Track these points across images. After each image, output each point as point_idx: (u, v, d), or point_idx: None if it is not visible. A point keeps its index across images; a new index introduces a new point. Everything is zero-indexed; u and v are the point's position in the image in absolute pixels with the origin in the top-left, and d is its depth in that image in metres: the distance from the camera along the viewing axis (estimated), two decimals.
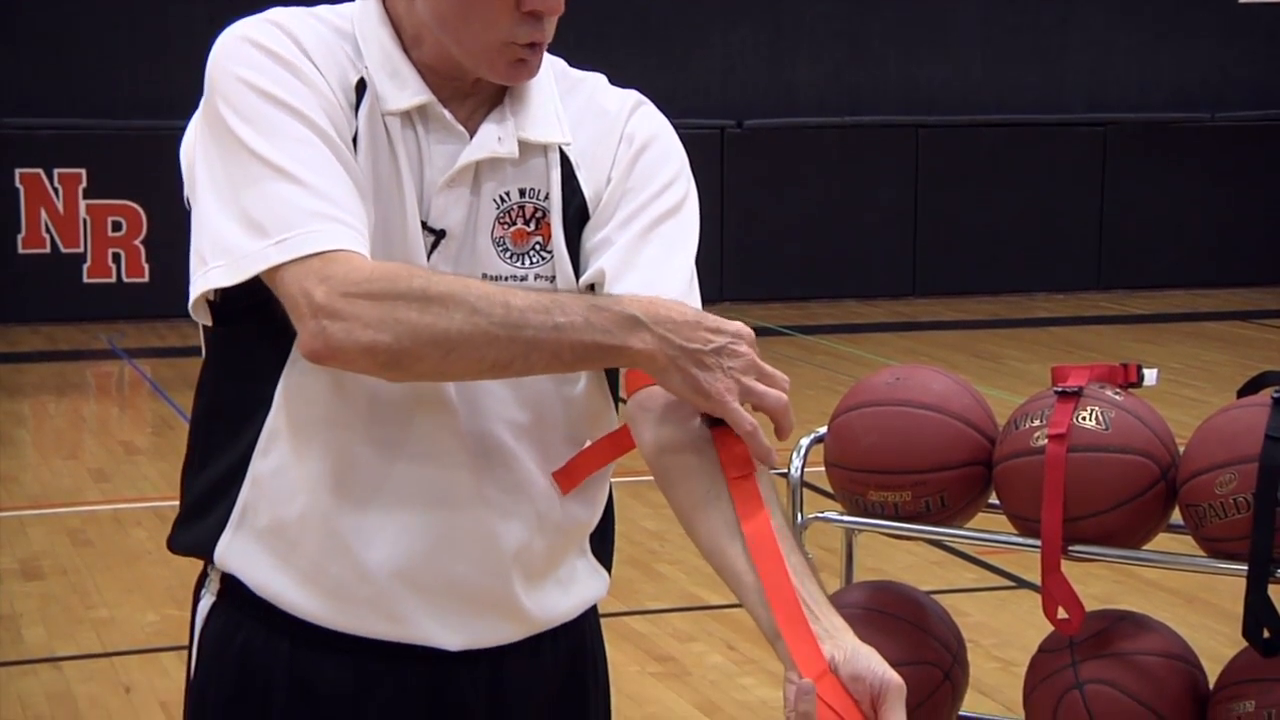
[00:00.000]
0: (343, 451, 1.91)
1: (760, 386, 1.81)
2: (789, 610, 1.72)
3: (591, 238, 1.96)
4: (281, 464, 1.92)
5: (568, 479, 1.99)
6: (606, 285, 1.93)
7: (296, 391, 1.91)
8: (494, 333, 1.76)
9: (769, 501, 1.82)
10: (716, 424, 1.83)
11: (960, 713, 3.13)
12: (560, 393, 1.96)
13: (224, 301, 1.89)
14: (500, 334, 1.76)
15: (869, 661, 1.69)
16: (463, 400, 1.91)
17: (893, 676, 1.68)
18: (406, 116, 1.91)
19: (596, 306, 1.80)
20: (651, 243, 1.95)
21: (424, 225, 1.91)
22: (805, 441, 3.11)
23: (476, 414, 1.92)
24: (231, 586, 1.98)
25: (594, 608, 2.11)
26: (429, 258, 1.91)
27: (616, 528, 2.12)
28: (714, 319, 1.82)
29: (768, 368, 1.83)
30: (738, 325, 1.83)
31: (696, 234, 2.01)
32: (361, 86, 1.90)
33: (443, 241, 1.92)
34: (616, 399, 2.00)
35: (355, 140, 1.88)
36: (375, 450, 1.91)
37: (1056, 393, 2.85)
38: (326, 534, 1.92)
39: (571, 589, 2.04)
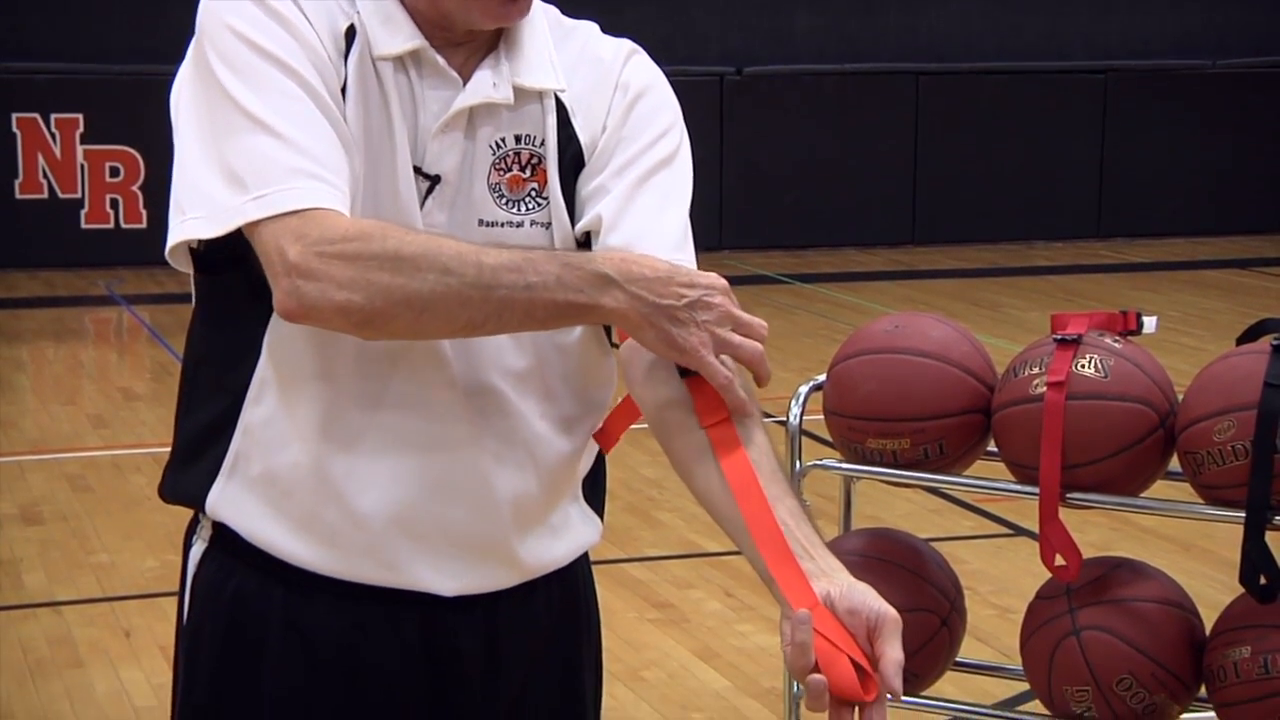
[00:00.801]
0: (333, 403, 1.91)
1: (735, 337, 1.81)
2: (774, 546, 1.72)
3: (586, 185, 1.96)
4: (273, 413, 1.92)
5: (606, 438, 2.03)
6: (602, 232, 1.93)
7: (283, 343, 1.91)
8: (466, 293, 1.76)
9: (757, 446, 1.82)
10: (690, 373, 1.83)
11: (957, 659, 3.14)
12: (554, 340, 1.96)
13: (208, 250, 1.88)
14: (473, 294, 1.77)
15: (864, 596, 1.69)
16: (457, 350, 1.91)
17: (889, 610, 1.68)
18: (399, 62, 1.90)
19: (569, 265, 1.79)
20: (646, 192, 1.95)
21: (419, 171, 1.91)
22: (804, 389, 3.11)
23: (472, 363, 1.92)
24: (223, 533, 1.98)
25: (586, 555, 2.12)
26: (423, 203, 1.91)
27: (616, 475, 2.13)
28: (687, 272, 1.82)
29: (744, 316, 1.83)
30: (711, 277, 1.82)
31: (690, 185, 2.01)
32: (351, 33, 1.89)
33: (438, 187, 1.91)
34: (612, 344, 2.00)
35: (344, 89, 1.87)
36: (366, 402, 1.91)
37: (1055, 340, 2.85)
38: (320, 482, 1.92)
39: (564, 535, 2.04)
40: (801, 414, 3.10)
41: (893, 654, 1.65)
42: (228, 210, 1.80)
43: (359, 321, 1.77)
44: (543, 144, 1.95)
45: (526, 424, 1.95)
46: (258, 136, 1.80)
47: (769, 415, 1.91)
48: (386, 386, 1.91)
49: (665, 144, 1.98)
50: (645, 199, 1.94)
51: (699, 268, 1.91)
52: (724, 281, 1.83)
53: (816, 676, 1.61)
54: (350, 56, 1.88)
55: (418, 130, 1.91)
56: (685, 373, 1.84)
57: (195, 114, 1.85)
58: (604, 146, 1.96)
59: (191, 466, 1.98)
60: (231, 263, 1.87)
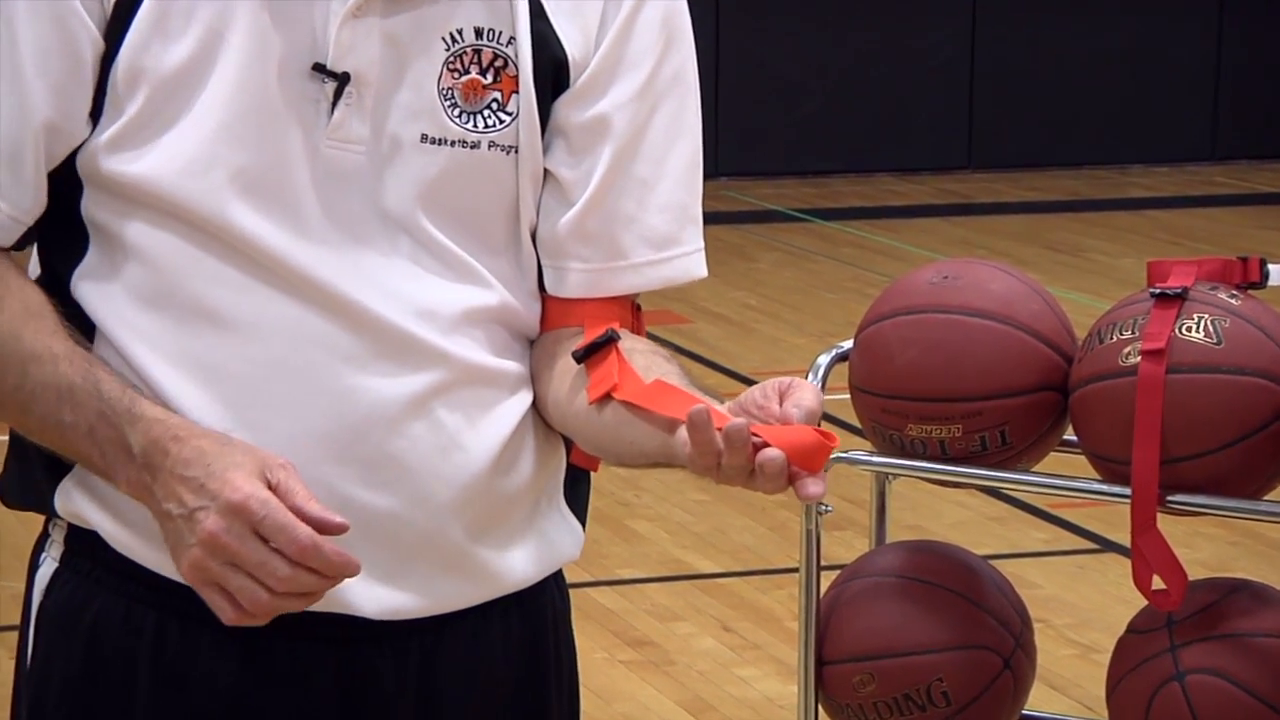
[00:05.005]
0: (210, 371, 1.94)
1: (236, 578, 1.80)
2: (665, 393, 1.90)
3: (583, 111, 2.01)
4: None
5: (591, 458, 2.12)
6: (599, 172, 2.00)
7: (103, 293, 1.96)
8: (2, 398, 1.93)
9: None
10: (587, 356, 1.98)
11: (1024, 711, 3.16)
12: (526, 287, 2.04)
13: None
14: (9, 403, 1.93)
15: (763, 384, 1.88)
16: (361, 295, 1.94)
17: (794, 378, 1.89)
18: None
19: (108, 416, 1.87)
20: (654, 127, 2.03)
21: (321, 68, 1.93)
22: (824, 360, 3.12)
23: (379, 306, 1.95)
24: (80, 546, 2.00)
25: (560, 575, 2.13)
26: (333, 109, 1.93)
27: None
28: (211, 474, 1.82)
29: (252, 554, 1.79)
30: (228, 490, 1.80)
31: (697, 94, 2.09)
32: None
33: (349, 88, 1.93)
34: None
35: None
36: (252, 366, 1.94)
37: (1153, 295, 2.87)
38: None
39: (531, 539, 2.06)
40: (821, 391, 3.11)
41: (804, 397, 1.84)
42: None
43: None
44: (511, 43, 1.98)
45: (465, 383, 1.98)
46: None
47: None
48: (271, 352, 1.94)
49: (674, 58, 2.05)
50: (652, 136, 2.03)
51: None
52: (240, 497, 1.80)
53: (699, 406, 1.77)
54: None
55: (327, 19, 1.93)
56: (580, 356, 1.98)
57: None
58: (601, 66, 2.01)
59: (34, 461, 2.00)
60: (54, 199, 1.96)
